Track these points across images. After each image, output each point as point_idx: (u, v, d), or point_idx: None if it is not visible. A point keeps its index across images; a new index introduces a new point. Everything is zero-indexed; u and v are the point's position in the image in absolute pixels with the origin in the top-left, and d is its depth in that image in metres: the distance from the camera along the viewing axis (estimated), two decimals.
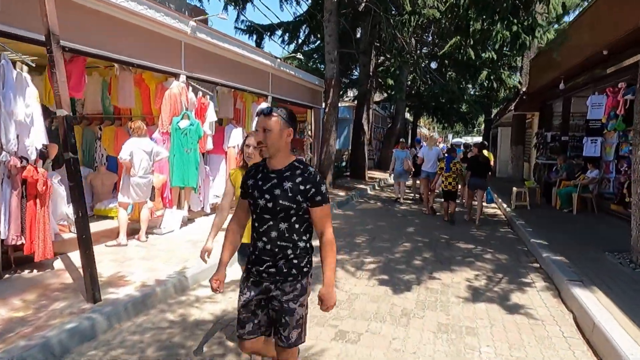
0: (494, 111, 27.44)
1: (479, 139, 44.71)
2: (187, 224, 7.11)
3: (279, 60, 10.35)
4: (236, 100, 9.78)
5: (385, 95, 29.91)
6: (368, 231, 7.89)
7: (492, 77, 14.29)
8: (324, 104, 13.22)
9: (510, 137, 16.49)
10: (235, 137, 8.99)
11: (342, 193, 12.24)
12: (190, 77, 7.28)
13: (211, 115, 7.36)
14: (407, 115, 35.04)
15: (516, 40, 10.35)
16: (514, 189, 10.25)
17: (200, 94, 7.36)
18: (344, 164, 18.85)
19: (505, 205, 10.56)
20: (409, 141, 33.06)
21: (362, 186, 14.37)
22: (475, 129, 52.50)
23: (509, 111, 16.63)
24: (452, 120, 30.56)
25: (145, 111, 7.36)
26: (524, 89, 15.54)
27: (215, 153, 9.13)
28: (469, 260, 6.09)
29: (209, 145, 7.50)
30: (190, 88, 7.20)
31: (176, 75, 6.98)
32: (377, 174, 19.15)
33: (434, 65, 24.06)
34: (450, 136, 57.71)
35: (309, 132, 13.01)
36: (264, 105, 9.83)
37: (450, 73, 17.24)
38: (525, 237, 7.34)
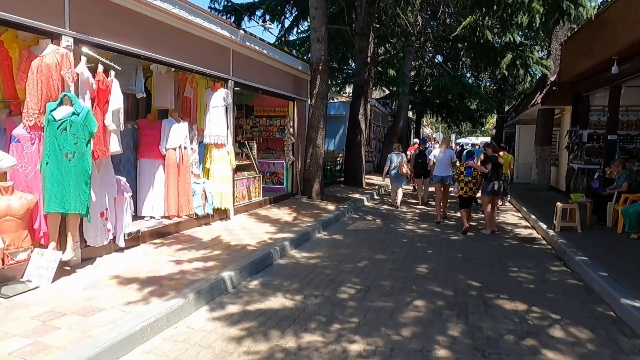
0: (507, 108, 24.84)
1: (484, 139, 42.16)
2: (70, 273, 4.54)
3: (242, 32, 7.78)
4: (182, 85, 7.21)
5: (387, 91, 27.52)
6: (360, 274, 5.32)
7: (517, 63, 11.70)
8: (309, 97, 10.64)
9: (535, 136, 13.89)
10: (177, 135, 6.43)
11: (331, 207, 9.67)
12: (88, 43, 4.72)
13: (116, 102, 4.78)
14: (410, 113, 32.55)
15: (555, 11, 7.78)
16: (559, 204, 7.66)
17: (100, 68, 4.80)
18: (338, 167, 16.24)
19: (543, 226, 7.97)
20: (410, 140, 30.58)
21: (357, 195, 11.78)
22: (480, 129, 50.01)
23: (531, 106, 14.06)
24: (459, 118, 28.00)
25: (7, 93, 4.78)
26: (552, 78, 12.94)
27: (149, 157, 6.57)
28: (529, 347, 3.51)
29: (114, 147, 4.92)
30: (84, 59, 4.64)
31: (53, 36, 4.41)
32: (377, 180, 16.56)
33: (442, 55, 21.59)
34: (453, 137, 55.01)
35: (291, 130, 10.44)
36: (222, 92, 7.27)
37: (464, 59, 14.69)
38: (602, 288, 4.76)
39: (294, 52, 20.59)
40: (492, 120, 35.37)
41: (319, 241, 7.05)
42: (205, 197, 6.99)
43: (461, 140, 44.35)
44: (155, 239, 6.00)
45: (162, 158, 6.60)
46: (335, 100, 20.75)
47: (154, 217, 6.61)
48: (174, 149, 6.58)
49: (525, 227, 8.85)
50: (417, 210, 10.54)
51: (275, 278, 5.09)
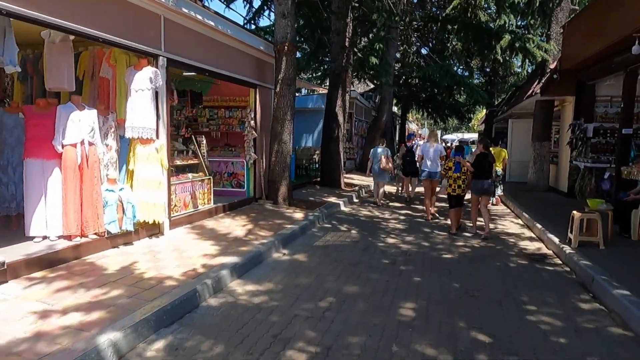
0: (496, 102, 23.53)
1: (470, 135, 40.97)
2: None
3: None
4: (99, 63, 5.50)
5: (371, 85, 25.99)
6: (319, 322, 3.72)
7: (516, 45, 10.20)
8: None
9: (532, 131, 12.48)
10: (78, 127, 4.74)
11: (298, 215, 8.05)
12: None
13: None
14: (395, 109, 31.09)
15: None
16: (576, 214, 6.17)
17: None
18: (316, 166, 14.61)
19: (554, 239, 6.49)
20: (397, 137, 29.13)
21: (333, 199, 10.18)
22: (466, 125, 48.98)
23: (527, 97, 12.64)
24: (446, 114, 26.60)
25: None
26: (552, 66, 11.52)
27: (38, 157, 4.84)
28: None
29: None
30: None
31: None
32: (358, 179, 15.01)
33: (428, 44, 20.16)
34: (439, 133, 53.72)
35: (252, 123, 8.77)
36: (149, 71, 5.57)
37: (455, 44, 13.20)
38: None
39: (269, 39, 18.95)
40: (480, 115, 34.14)
41: (275, 265, 5.42)
42: (123, 209, 5.30)
43: (447, 137, 43.07)
44: (38, 270, 4.30)
45: (58, 158, 4.87)
46: (315, 93, 19.14)
47: (48, 238, 4.90)
48: (74, 145, 4.86)
49: (531, 238, 7.35)
50: (402, 217, 8.99)
51: (193, 334, 3.45)
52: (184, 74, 8.72)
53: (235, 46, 7.91)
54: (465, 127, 50.13)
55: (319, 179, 12.87)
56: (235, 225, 6.89)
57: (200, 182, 7.24)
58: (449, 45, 19.76)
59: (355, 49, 14.47)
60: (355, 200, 11.10)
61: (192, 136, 7.54)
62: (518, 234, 7.62)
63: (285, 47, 8.49)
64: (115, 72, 5.69)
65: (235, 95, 9.38)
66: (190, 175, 7.05)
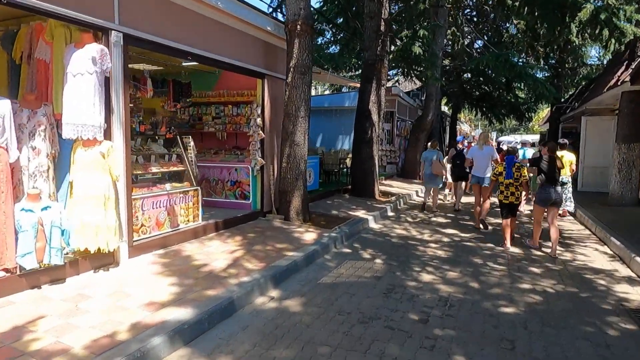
0: (563, 98, 20.56)
1: (530, 137, 37.31)
2: None
3: None
4: (31, 40, 4.20)
5: (418, 82, 23.85)
6: None
7: (601, 18, 7.88)
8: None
9: (617, 131, 9.99)
10: None
11: (310, 235, 6.37)
12: None
13: None
14: (445, 108, 28.58)
15: None
16: None
17: None
18: (346, 170, 12.84)
19: None
20: (447, 139, 26.63)
21: (361, 213, 8.40)
22: (525, 126, 45.07)
23: (609, 88, 10.16)
24: (502, 113, 23.80)
25: None
26: None
27: None
28: None
29: None
30: None
31: None
32: (399, 187, 13.08)
33: (480, 39, 17.89)
34: (494, 134, 49.67)
35: (259, 121, 7.22)
36: (92, 49, 4.14)
37: (517, 25, 11.00)
38: None
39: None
40: (542, 114, 30.74)
41: (250, 320, 3.78)
42: (48, 236, 3.88)
43: (504, 139, 39.57)
44: None
45: None
46: (352, 90, 17.42)
47: None
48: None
49: (630, 280, 5.18)
50: (446, 238, 7.04)
51: None
52: (184, 63, 7.36)
53: (233, 25, 6.38)
54: (524, 127, 46.13)
55: (350, 187, 11.11)
56: (220, 252, 5.33)
57: (182, 195, 5.76)
58: (506, 32, 17.33)
59: (396, 38, 12.59)
60: (389, 213, 9.24)
61: (177, 137, 6.09)
62: (609, 272, 5.47)
63: (298, 27, 6.86)
64: (52, 51, 4.32)
65: (244, 88, 7.88)
66: (167, 186, 5.58)
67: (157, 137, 5.86)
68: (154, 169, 5.58)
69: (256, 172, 7.35)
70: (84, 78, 4.13)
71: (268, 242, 5.89)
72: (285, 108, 7.20)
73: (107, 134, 4.47)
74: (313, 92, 26.89)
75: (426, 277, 5.05)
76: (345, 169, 12.52)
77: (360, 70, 16.78)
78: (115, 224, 4.39)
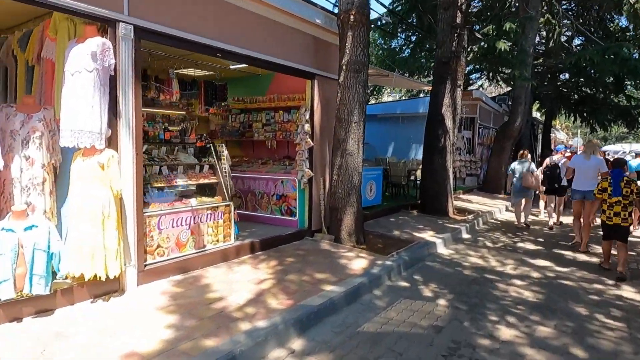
0: None
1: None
2: None
3: None
4: (41, 39, 3.78)
5: (506, 87, 21.59)
6: None
7: None
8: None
9: None
10: None
11: (359, 263, 5.29)
12: None
13: None
14: (537, 114, 25.59)
15: None
16: None
17: None
18: (412, 178, 11.46)
19: None
20: (539, 148, 23.71)
21: (429, 235, 7.10)
22: (632, 134, 39.35)
23: None
24: (608, 118, 20.53)
25: None
26: None
27: None
28: None
29: None
30: None
31: None
32: (479, 202, 11.41)
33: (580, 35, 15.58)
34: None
35: (306, 127, 6.34)
36: (93, 43, 3.57)
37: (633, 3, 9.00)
38: None
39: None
40: None
41: None
42: (29, 261, 3.30)
43: (608, 148, 34.73)
44: None
45: None
46: (426, 94, 15.98)
47: None
48: None
49: None
50: (536, 272, 5.53)
51: None
52: (231, 67, 6.79)
53: (275, 18, 5.60)
54: (634, 135, 40.23)
55: (419, 202, 9.78)
56: (246, 280, 4.48)
57: (210, 211, 5.03)
58: (614, 25, 14.77)
59: (476, 33, 11.08)
60: (464, 235, 7.79)
61: (211, 145, 5.41)
62: None
63: (351, 17, 5.89)
64: (56, 49, 3.83)
65: (296, 92, 7.09)
66: (193, 200, 4.89)
67: (187, 146, 5.23)
68: (180, 181, 4.93)
69: (303, 185, 6.46)
70: (82, 77, 3.55)
71: (306, 270, 4.93)
72: (337, 112, 6.25)
73: (113, 142, 3.86)
74: (386, 98, 25.67)
75: (506, 333, 3.73)
76: (416, 182, 11.18)
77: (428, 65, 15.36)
78: (116, 246, 3.74)
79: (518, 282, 5.22)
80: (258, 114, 7.77)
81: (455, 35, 8.89)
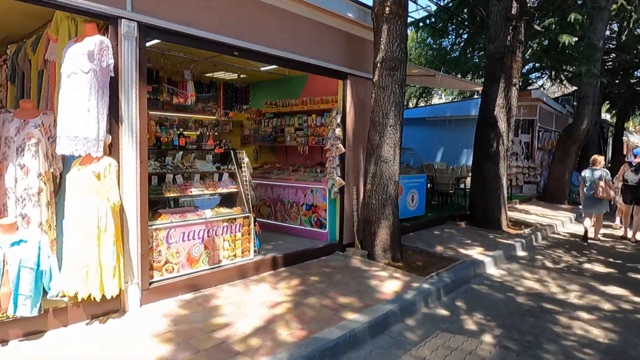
0: None
1: None
2: None
3: None
4: (47, 41, 3.57)
5: (570, 87, 19.85)
6: None
7: None
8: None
9: None
10: None
11: (393, 285, 4.65)
12: None
13: None
14: (607, 116, 23.32)
15: None
16: None
17: None
18: (462, 186, 10.56)
19: None
20: (609, 153, 21.57)
21: (476, 251, 6.28)
22: None
23: None
24: None
25: None
26: None
27: None
28: None
29: None
30: None
31: None
32: (538, 213, 10.27)
33: None
34: None
35: (338, 131, 5.81)
36: (90, 42, 3.28)
37: None
38: None
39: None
40: None
41: None
42: (14, 279, 3.03)
43: None
44: None
45: None
46: (479, 96, 14.88)
47: None
48: None
49: None
50: (607, 302, 4.61)
51: None
52: (262, 68, 6.43)
53: (300, 12, 5.12)
54: None
55: (468, 213, 8.90)
56: (260, 303, 4.01)
57: (226, 223, 4.63)
58: None
59: (534, 25, 10.00)
60: (519, 253, 6.88)
61: (231, 152, 5.01)
62: None
63: (387, 9, 5.29)
64: (57, 50, 3.59)
65: (329, 94, 6.59)
66: (207, 212, 4.50)
67: (206, 153, 4.87)
68: (195, 191, 4.57)
69: (334, 195, 5.92)
70: (78, 78, 3.27)
71: (330, 292, 4.38)
72: (370, 115, 5.66)
73: (114, 149, 3.55)
74: (436, 101, 24.49)
75: None
76: (465, 191, 10.25)
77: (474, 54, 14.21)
78: (114, 263, 3.41)
79: (584, 315, 4.35)
80: (291, 117, 7.35)
81: (510, 27, 7.97)
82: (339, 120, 5.83)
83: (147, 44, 4.92)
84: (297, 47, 5.11)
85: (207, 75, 6.73)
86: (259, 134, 7.76)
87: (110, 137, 3.52)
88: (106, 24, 3.52)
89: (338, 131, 5.79)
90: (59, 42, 3.56)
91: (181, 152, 4.61)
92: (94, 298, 3.35)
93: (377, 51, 5.49)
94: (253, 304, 3.99)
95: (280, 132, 7.45)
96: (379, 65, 5.48)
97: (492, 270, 5.88)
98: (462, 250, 6.40)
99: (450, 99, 26.19)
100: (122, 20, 3.54)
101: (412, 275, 5.02)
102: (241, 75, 7.36)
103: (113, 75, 3.48)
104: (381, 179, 5.57)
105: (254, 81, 8.04)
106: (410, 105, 22.33)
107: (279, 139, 7.46)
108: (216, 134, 8.31)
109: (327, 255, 5.75)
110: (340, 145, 5.81)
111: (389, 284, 4.73)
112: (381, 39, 5.41)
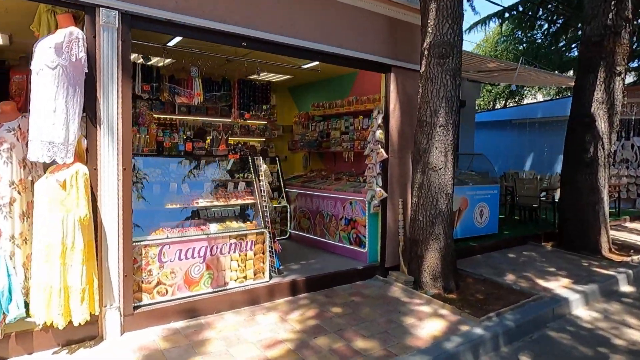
0: None
1: None
2: None
3: None
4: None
5: None
6: None
7: None
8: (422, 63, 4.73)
9: None
10: None
11: (434, 326, 3.66)
12: None
13: None
14: None
15: None
16: None
17: None
18: (551, 199, 8.81)
19: None
20: None
21: (560, 284, 4.93)
22: None
23: None
24: None
25: None
26: None
27: None
28: None
29: None
30: None
31: None
32: None
33: None
34: None
35: (378, 134, 4.93)
36: (59, 35, 2.90)
37: None
38: None
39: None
40: None
41: None
42: None
43: None
44: None
45: None
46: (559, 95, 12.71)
47: None
48: None
49: None
50: None
51: None
52: (303, 66, 5.84)
53: None
54: None
55: (557, 232, 7.33)
56: (255, 341, 3.32)
57: (235, 240, 4.02)
58: None
59: None
60: (623, 287, 5.32)
61: (250, 158, 4.42)
62: None
63: None
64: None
65: (377, 91, 5.73)
66: (212, 226, 3.94)
67: (220, 159, 4.33)
68: (203, 202, 4.05)
69: (374, 209, 5.04)
70: (45, 75, 2.90)
71: (348, 331, 3.54)
72: (417, 113, 4.71)
73: (92, 154, 3.14)
74: (529, 100, 21.85)
75: None
76: (554, 205, 8.57)
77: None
78: (82, 286, 2.97)
79: None
80: (337, 120, 6.61)
81: (612, 3, 6.39)
82: (380, 120, 4.96)
83: (171, 43, 4.62)
84: (324, 35, 4.38)
85: (253, 77, 6.31)
86: (305, 139, 7.14)
87: (85, 141, 3.11)
88: (82, 14, 3.13)
89: (379, 134, 4.92)
90: (40, 38, 3.26)
91: (182, 159, 4.12)
92: (56, 325, 2.92)
93: (424, 36, 4.54)
94: (248, 342, 3.30)
95: (326, 136, 6.75)
96: (426, 52, 4.52)
97: (580, 311, 4.53)
98: (540, 282, 5.09)
99: (547, 98, 23.27)
100: (100, 8, 3.12)
101: (464, 314, 3.96)
102: (286, 76, 6.85)
103: (87, 71, 3.07)
104: (429, 190, 4.57)
105: (303, 83, 7.48)
106: (498, 106, 20.21)
107: (323, 144, 6.76)
108: (264, 139, 7.91)
109: (364, 280, 4.88)
110: (382, 150, 4.93)
111: (430, 324, 3.75)
112: (428, 21, 4.45)
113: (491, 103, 20.95)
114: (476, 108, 21.45)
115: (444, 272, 4.63)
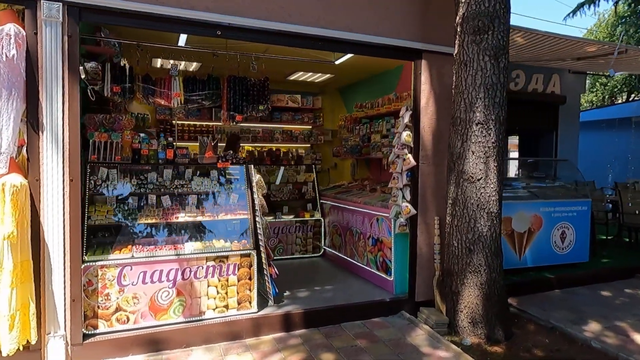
0: None
1: None
2: None
3: None
4: None
5: None
6: None
7: None
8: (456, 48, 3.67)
9: None
10: None
11: None
12: None
13: None
14: None
15: None
16: None
17: None
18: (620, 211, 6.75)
19: None
20: None
21: None
22: None
23: None
24: None
25: None
26: None
27: None
28: None
29: None
30: None
31: None
32: None
33: None
34: None
35: (405, 137, 3.99)
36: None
37: None
38: None
39: None
40: None
41: None
42: None
43: None
44: None
45: None
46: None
47: None
48: None
49: None
50: None
51: None
52: (336, 62, 5.19)
53: None
54: None
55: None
56: None
57: (214, 262, 3.44)
58: None
59: None
60: None
61: (245, 167, 3.83)
62: None
63: None
64: None
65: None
66: (187, 246, 3.41)
67: (211, 168, 3.81)
68: (184, 217, 3.56)
69: (399, 228, 4.09)
70: None
71: None
72: (453, 107, 3.68)
73: (33, 163, 2.83)
74: None
75: None
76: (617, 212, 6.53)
77: None
78: (11, 312, 2.65)
79: None
80: (379, 122, 5.73)
81: None
82: (407, 119, 4.01)
83: (180, 43, 4.26)
84: (330, 17, 3.62)
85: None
86: (348, 145, 6.38)
87: (24, 149, 2.80)
88: (20, 9, 2.84)
89: (405, 136, 3.98)
90: None
91: (161, 168, 3.66)
92: None
93: (457, 7, 3.53)
94: None
95: (367, 140, 5.90)
96: (459, 28, 3.51)
97: None
98: (633, 335, 3.65)
99: None
100: (41, 1, 2.80)
101: None
102: (325, 75, 6.20)
103: (23, 71, 2.76)
104: (465, 208, 3.52)
105: (350, 82, 6.75)
106: (620, 100, 16.91)
107: (363, 149, 5.92)
108: (309, 145, 7.31)
109: (387, 316, 3.95)
110: (409, 156, 3.97)
111: None
112: None
113: (608, 98, 17.68)
114: (586, 105, 18.29)
115: (487, 316, 3.52)
